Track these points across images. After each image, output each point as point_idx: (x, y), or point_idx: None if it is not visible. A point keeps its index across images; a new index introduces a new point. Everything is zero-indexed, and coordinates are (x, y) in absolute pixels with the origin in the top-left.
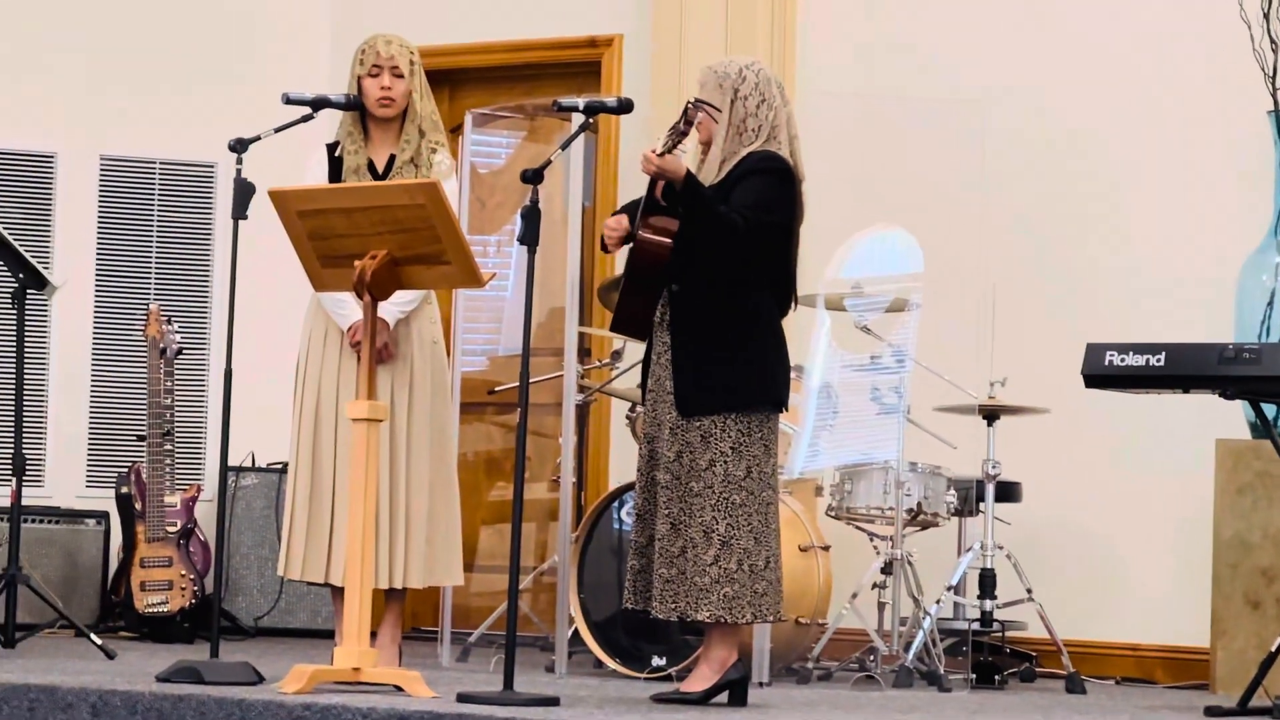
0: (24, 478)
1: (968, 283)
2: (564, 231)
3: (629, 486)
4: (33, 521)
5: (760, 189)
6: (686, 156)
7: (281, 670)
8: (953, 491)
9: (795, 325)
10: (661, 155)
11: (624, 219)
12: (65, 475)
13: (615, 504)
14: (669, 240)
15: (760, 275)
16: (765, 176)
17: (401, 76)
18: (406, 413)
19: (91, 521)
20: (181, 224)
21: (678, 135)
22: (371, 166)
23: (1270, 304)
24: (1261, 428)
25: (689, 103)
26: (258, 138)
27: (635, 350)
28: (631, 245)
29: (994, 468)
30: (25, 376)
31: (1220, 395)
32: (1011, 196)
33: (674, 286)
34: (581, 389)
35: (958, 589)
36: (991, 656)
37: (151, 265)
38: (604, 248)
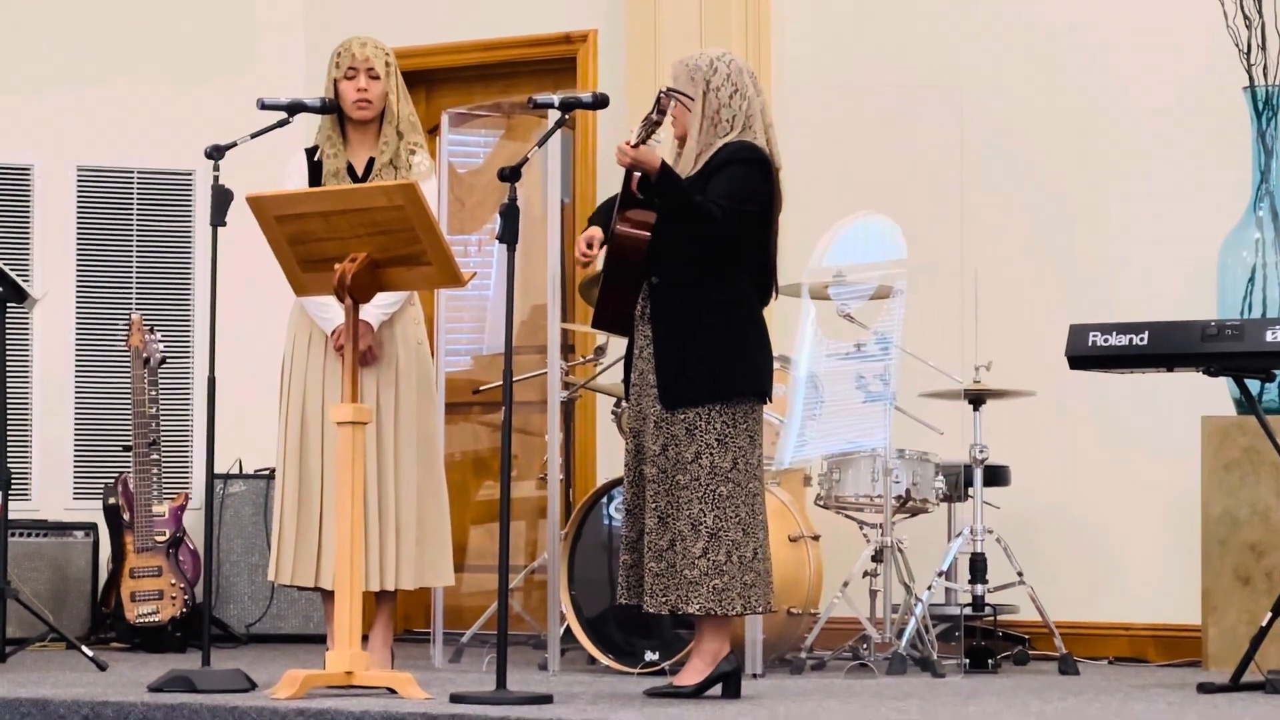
0: (10, 491)
1: (949, 268)
2: (544, 228)
3: (616, 482)
4: (20, 535)
5: (737, 178)
6: (661, 148)
7: (274, 676)
8: (941, 477)
9: (781, 315)
10: (636, 146)
11: (596, 232)
12: (52, 488)
13: (603, 500)
14: (646, 233)
15: (740, 265)
16: (742, 166)
17: (378, 78)
18: (393, 415)
19: (80, 533)
20: (161, 232)
21: (651, 125)
22: (351, 169)
23: (1251, 280)
24: (1246, 403)
25: (661, 91)
26: (234, 144)
27: (618, 345)
28: (609, 240)
29: (981, 452)
30: (8, 390)
31: (1204, 372)
32: (990, 180)
33: (653, 279)
34: (566, 385)
35: (949, 574)
36: (984, 641)
37: (132, 275)
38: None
